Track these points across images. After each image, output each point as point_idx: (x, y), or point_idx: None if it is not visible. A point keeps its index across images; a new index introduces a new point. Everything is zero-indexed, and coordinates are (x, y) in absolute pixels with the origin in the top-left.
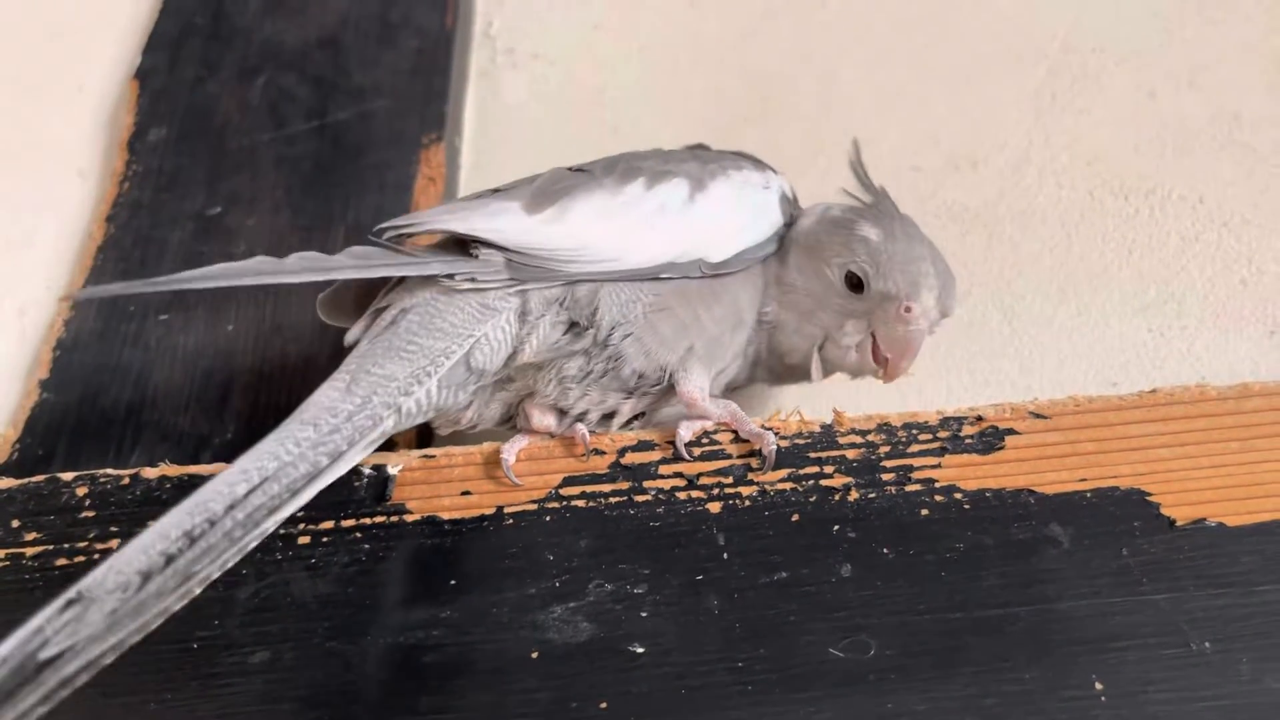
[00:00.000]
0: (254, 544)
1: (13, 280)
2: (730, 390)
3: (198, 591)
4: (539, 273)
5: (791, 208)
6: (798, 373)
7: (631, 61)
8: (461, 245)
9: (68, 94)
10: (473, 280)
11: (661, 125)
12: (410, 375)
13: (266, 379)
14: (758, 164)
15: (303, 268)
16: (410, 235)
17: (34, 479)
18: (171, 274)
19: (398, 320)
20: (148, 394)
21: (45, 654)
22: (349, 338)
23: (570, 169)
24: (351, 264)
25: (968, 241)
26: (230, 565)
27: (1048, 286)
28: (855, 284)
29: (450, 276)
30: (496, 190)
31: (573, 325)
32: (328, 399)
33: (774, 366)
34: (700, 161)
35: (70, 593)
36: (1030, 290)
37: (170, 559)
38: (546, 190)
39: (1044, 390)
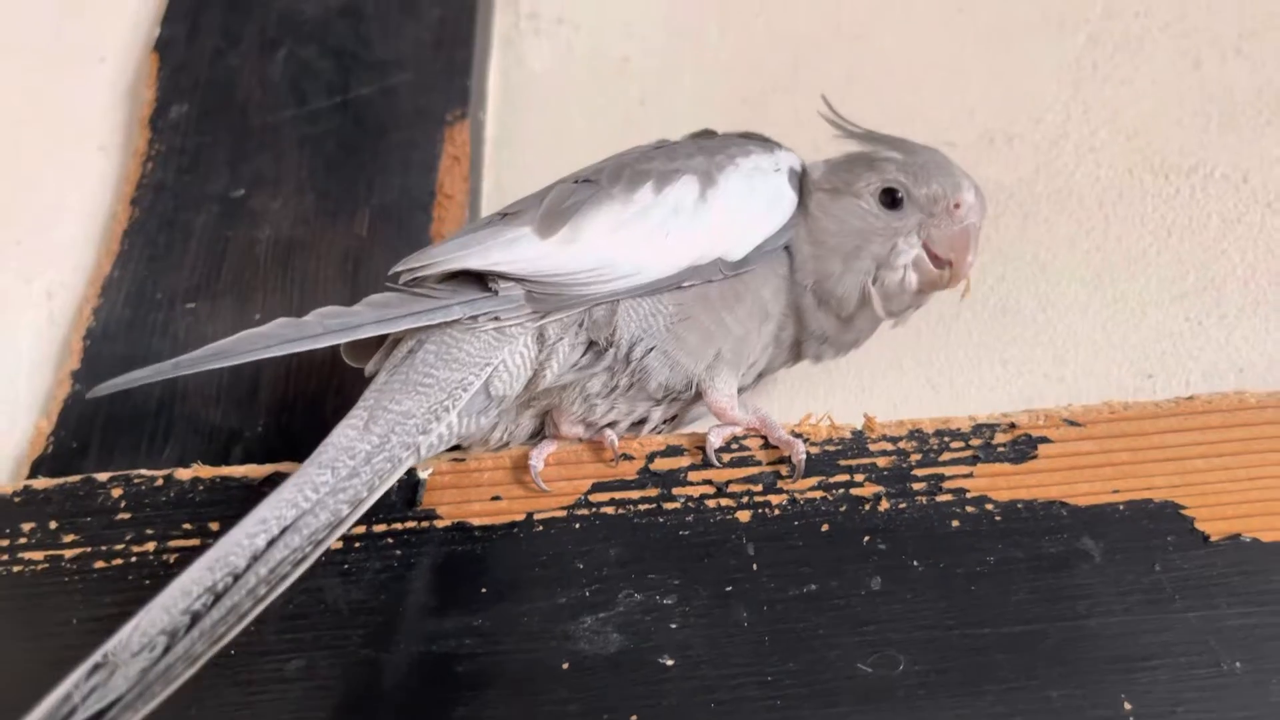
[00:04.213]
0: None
1: (40, 261)
2: (766, 376)
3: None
4: (560, 300)
5: (801, 180)
6: (858, 324)
7: (658, 27)
8: (478, 274)
9: (89, 65)
10: (496, 319)
11: (689, 95)
12: (428, 411)
13: (294, 372)
14: (765, 144)
15: (326, 329)
16: (426, 276)
17: (70, 479)
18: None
19: (414, 352)
20: (178, 387)
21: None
22: (369, 369)
23: (576, 181)
24: (373, 317)
25: (1002, 223)
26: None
27: (1083, 271)
28: (892, 201)
29: (474, 319)
30: (505, 214)
31: (592, 345)
32: (345, 439)
33: (826, 331)
34: (707, 154)
35: (96, 656)
36: (1065, 275)
37: (195, 617)
38: (556, 210)
39: (1077, 381)
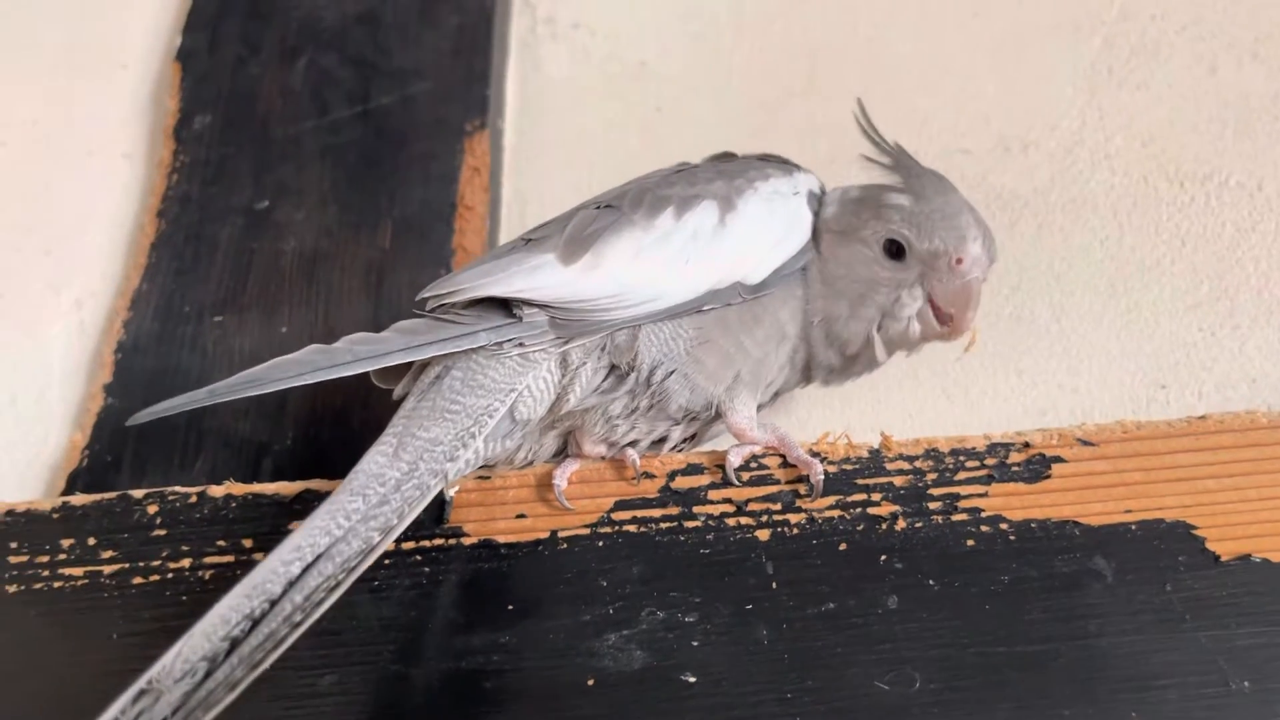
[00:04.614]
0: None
1: (68, 271)
2: (782, 395)
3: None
4: (582, 326)
5: (820, 204)
6: (860, 362)
7: (675, 32)
8: (501, 300)
9: (111, 71)
10: (521, 345)
11: (705, 100)
12: (455, 438)
13: (322, 386)
14: (783, 167)
15: (355, 357)
16: (453, 303)
17: (107, 496)
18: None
19: (441, 378)
20: None
21: None
22: (397, 393)
23: (598, 206)
24: (401, 344)
25: (1016, 231)
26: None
27: (1098, 281)
28: (896, 252)
29: (499, 345)
30: (528, 240)
31: (614, 369)
32: (375, 465)
33: (832, 364)
34: (727, 178)
35: (141, 682)
36: (1080, 285)
37: (235, 644)
38: (579, 237)
39: (1091, 392)
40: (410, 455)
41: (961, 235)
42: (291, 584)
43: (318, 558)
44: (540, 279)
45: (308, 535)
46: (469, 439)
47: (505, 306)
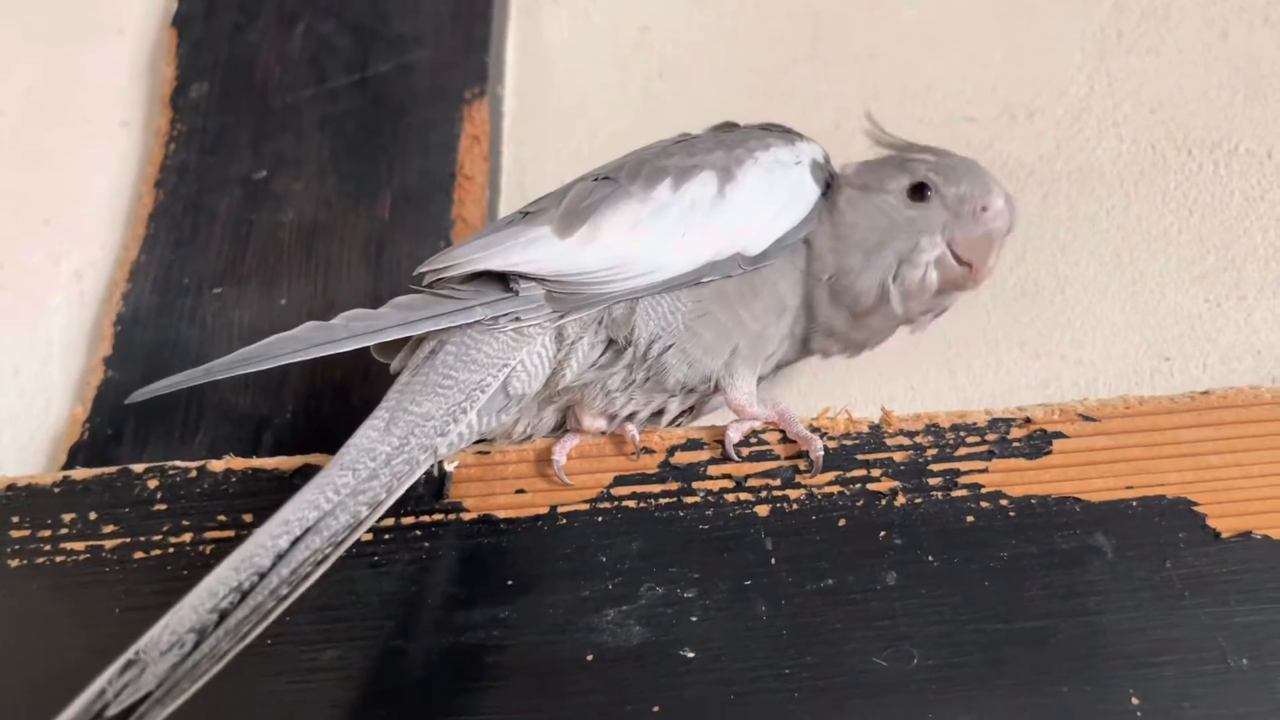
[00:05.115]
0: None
1: (67, 241)
2: (783, 367)
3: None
4: (579, 299)
5: (825, 173)
6: (871, 323)
7: None
8: (499, 274)
9: (108, 37)
10: (517, 320)
11: (708, 66)
12: (446, 413)
13: (322, 360)
14: (786, 136)
15: (350, 333)
16: (450, 277)
17: (107, 470)
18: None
19: (435, 353)
20: None
21: (109, 714)
22: (393, 367)
23: (596, 179)
24: (397, 320)
25: (1022, 201)
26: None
27: (1103, 251)
28: (920, 194)
29: (495, 320)
30: (526, 213)
31: (611, 343)
32: (367, 439)
33: (835, 328)
34: (726, 148)
35: (129, 653)
36: (1085, 256)
37: (223, 615)
38: (575, 209)
39: (1095, 364)
40: (401, 430)
41: (987, 186)
42: (280, 557)
43: (305, 531)
44: (536, 252)
45: (296, 509)
46: (460, 414)
47: (503, 280)
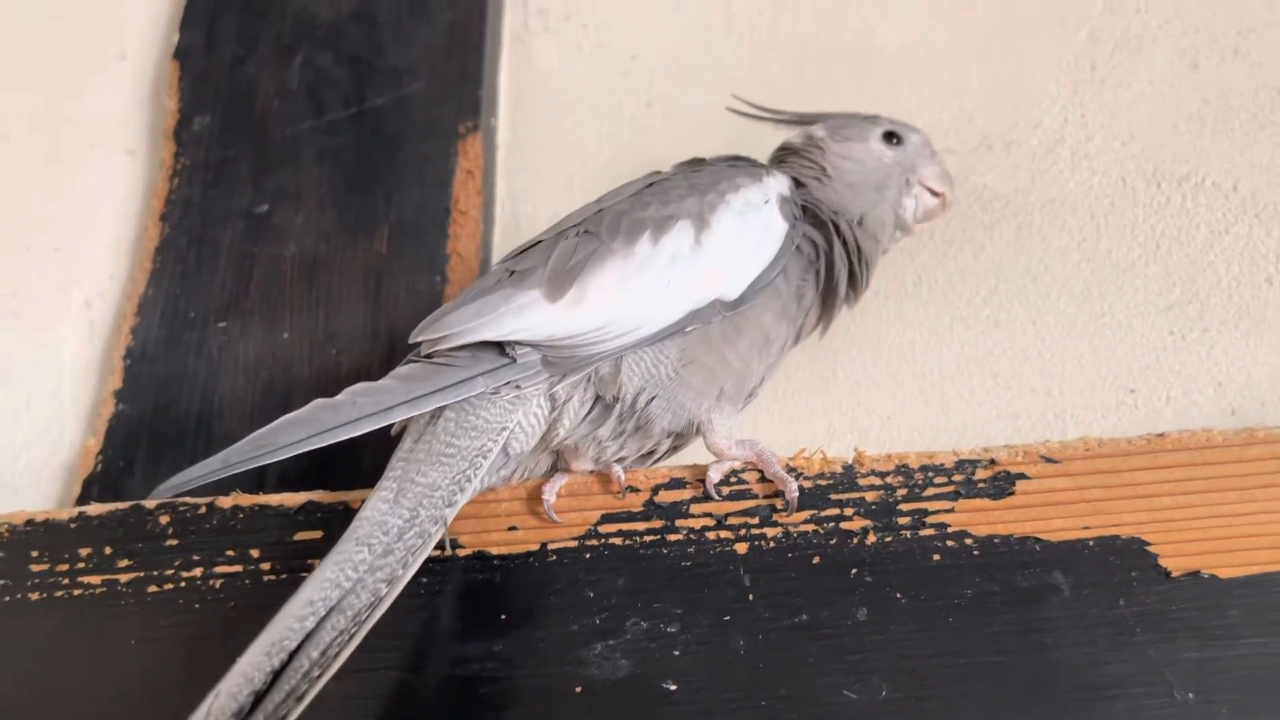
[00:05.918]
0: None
1: (76, 270)
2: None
3: None
4: (573, 361)
5: (792, 205)
6: (883, 243)
7: (666, 25)
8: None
9: (110, 63)
10: (517, 387)
11: (695, 97)
12: (452, 482)
13: (322, 390)
14: (753, 173)
15: (361, 411)
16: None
17: (120, 506)
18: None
19: (435, 419)
20: (214, 404)
21: None
22: (394, 429)
23: (577, 230)
24: (404, 395)
25: (996, 232)
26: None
27: (1073, 283)
28: (893, 140)
29: (496, 390)
30: (513, 272)
31: (599, 400)
32: (377, 512)
33: (871, 254)
34: (699, 194)
35: None
36: (1056, 288)
37: (259, 698)
38: (562, 270)
39: (1063, 395)
40: (410, 501)
41: (922, 131)
42: (308, 638)
43: (330, 610)
44: (529, 318)
45: (319, 589)
46: (465, 483)
47: (498, 346)
